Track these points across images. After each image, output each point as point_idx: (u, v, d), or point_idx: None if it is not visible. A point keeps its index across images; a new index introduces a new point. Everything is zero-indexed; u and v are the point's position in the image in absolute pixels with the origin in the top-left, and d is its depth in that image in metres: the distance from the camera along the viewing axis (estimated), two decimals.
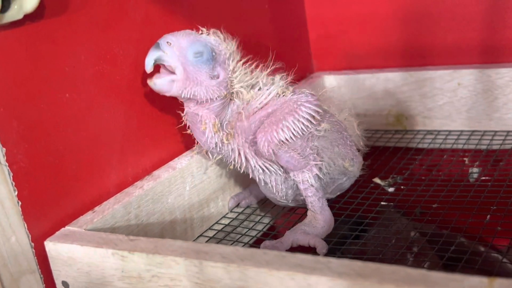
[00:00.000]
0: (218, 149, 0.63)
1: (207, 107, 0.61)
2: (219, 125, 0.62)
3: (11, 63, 0.51)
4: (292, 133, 0.60)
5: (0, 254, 0.50)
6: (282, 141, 0.60)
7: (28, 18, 0.52)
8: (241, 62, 0.63)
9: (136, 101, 0.64)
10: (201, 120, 0.62)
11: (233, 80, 0.62)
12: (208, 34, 0.62)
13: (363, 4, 0.94)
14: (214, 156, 0.65)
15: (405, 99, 0.89)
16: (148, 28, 0.65)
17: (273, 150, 0.60)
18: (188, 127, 0.64)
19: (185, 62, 0.59)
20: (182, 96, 0.60)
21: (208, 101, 0.61)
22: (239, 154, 0.62)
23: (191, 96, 0.60)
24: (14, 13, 0.50)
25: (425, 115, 0.88)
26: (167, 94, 0.61)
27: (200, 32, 0.62)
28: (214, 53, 0.60)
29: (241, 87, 0.62)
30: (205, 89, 0.60)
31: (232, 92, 0.62)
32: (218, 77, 0.61)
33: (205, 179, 0.69)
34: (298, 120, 0.60)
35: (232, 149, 0.63)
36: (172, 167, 0.66)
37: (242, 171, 0.65)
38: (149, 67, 0.59)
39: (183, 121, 0.64)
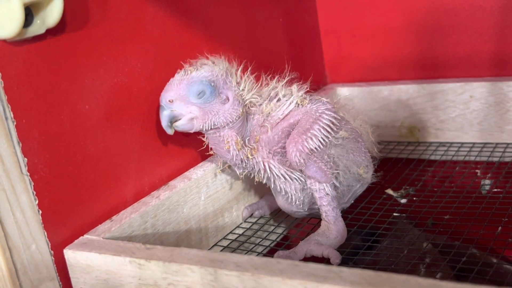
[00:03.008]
0: (244, 164, 0.64)
1: (227, 127, 0.63)
2: (241, 142, 0.63)
3: (33, 75, 0.53)
4: (320, 142, 0.61)
5: (20, 261, 0.52)
6: (312, 150, 0.61)
7: (50, 32, 0.53)
8: (240, 71, 0.64)
9: (153, 113, 0.65)
10: (223, 140, 0.63)
11: (242, 94, 0.63)
12: (196, 69, 0.62)
13: (376, 17, 0.95)
14: (240, 172, 0.66)
15: (418, 111, 0.90)
16: (165, 42, 0.67)
17: (304, 159, 0.61)
18: (211, 149, 0.66)
19: (195, 104, 0.61)
20: (204, 129, 0.62)
21: (228, 124, 0.62)
22: (264, 166, 0.64)
23: (213, 127, 0.62)
24: (36, 28, 0.51)
25: (437, 127, 0.89)
26: (191, 131, 0.63)
27: (189, 71, 0.62)
28: (212, 83, 0.61)
29: (253, 95, 0.64)
30: (223, 116, 0.62)
31: (246, 105, 0.64)
32: (228, 99, 0.62)
33: (219, 189, 0.70)
34: (323, 128, 0.62)
35: (257, 162, 0.64)
36: (187, 178, 0.67)
37: (264, 182, 0.66)
38: (169, 130, 0.62)
39: (205, 144, 0.65)
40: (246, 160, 0.64)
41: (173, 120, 0.62)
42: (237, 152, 0.63)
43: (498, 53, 0.87)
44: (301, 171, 0.63)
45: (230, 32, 0.78)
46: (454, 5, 0.88)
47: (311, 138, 0.61)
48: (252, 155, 0.63)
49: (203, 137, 0.65)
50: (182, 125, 0.62)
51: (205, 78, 0.61)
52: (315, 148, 0.61)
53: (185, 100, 0.61)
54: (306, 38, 0.97)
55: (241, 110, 0.63)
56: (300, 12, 0.95)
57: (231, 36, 0.77)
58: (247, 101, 0.63)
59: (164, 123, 0.62)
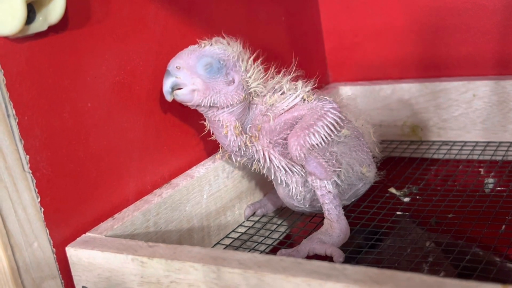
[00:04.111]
0: (242, 152, 0.64)
1: (227, 111, 0.63)
2: (240, 127, 0.63)
3: (35, 73, 0.53)
4: (322, 138, 0.61)
5: (22, 259, 0.51)
6: (314, 145, 0.61)
7: (52, 29, 0.53)
8: (251, 59, 0.64)
9: (155, 111, 0.65)
10: (222, 124, 0.63)
11: (248, 80, 0.63)
12: (211, 45, 0.62)
13: (378, 17, 0.95)
14: (238, 160, 0.66)
15: (420, 110, 0.89)
16: (167, 39, 0.67)
17: (304, 154, 0.61)
18: (213, 134, 0.65)
19: (200, 77, 0.61)
20: (202, 104, 0.62)
21: (228, 107, 0.62)
22: (264, 155, 0.63)
23: (212, 104, 0.62)
24: (38, 25, 0.51)
25: (440, 126, 0.89)
26: (189, 104, 0.62)
27: (203, 44, 0.62)
28: (222, 61, 0.61)
29: (258, 85, 0.64)
30: (224, 96, 0.62)
31: (250, 92, 0.63)
32: (233, 82, 0.62)
33: (222, 187, 0.70)
34: (327, 126, 0.62)
35: (256, 151, 0.64)
36: (190, 176, 0.67)
37: (264, 173, 0.66)
38: (168, 96, 0.61)
39: (207, 129, 0.65)
40: (244, 148, 0.64)
41: (175, 87, 0.61)
42: (235, 138, 0.63)
43: (501, 52, 0.87)
44: (302, 165, 0.63)
45: (232, 30, 0.78)
46: (456, 4, 0.88)
47: (314, 134, 0.61)
48: (251, 142, 0.63)
49: (205, 121, 0.65)
50: (182, 94, 0.61)
51: (216, 54, 0.61)
52: (317, 144, 0.61)
53: (192, 70, 0.61)
54: (308, 36, 0.96)
55: (243, 96, 0.62)
56: (303, 11, 0.95)
57: (233, 34, 0.77)
58: (252, 89, 0.63)
59: (166, 87, 0.61)
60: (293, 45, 0.92)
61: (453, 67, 0.91)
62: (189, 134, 0.70)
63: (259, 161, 0.64)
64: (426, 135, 0.90)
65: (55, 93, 0.54)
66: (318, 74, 0.97)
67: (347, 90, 0.96)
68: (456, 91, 0.86)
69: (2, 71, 0.50)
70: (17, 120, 0.51)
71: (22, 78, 0.51)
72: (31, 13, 0.50)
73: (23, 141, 0.51)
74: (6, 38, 0.50)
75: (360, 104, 0.94)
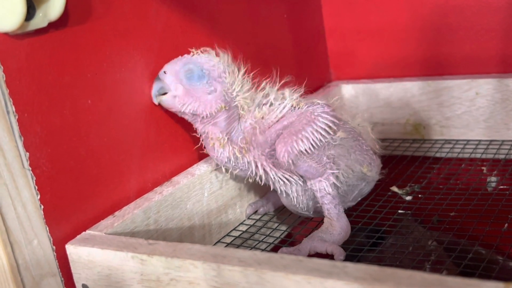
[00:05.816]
0: (233, 163, 0.64)
1: (212, 123, 0.63)
2: (225, 139, 0.63)
3: (35, 69, 0.52)
4: (311, 144, 0.61)
5: (22, 257, 0.51)
6: (302, 151, 0.61)
7: (52, 26, 0.53)
8: (241, 73, 0.64)
9: (156, 108, 0.65)
10: (207, 136, 0.64)
11: (232, 92, 0.63)
12: (198, 54, 0.63)
13: (381, 14, 0.94)
14: (230, 171, 0.66)
15: (423, 108, 0.89)
16: (169, 36, 0.67)
17: (292, 160, 0.61)
18: (204, 148, 0.66)
19: (181, 82, 0.62)
20: (183, 111, 0.63)
21: (209, 116, 0.62)
22: (257, 166, 0.63)
23: (192, 111, 0.62)
24: (38, 21, 0.51)
25: (443, 125, 0.88)
26: (173, 110, 0.64)
27: (192, 54, 0.63)
28: (204, 70, 0.62)
29: (245, 99, 0.63)
30: (203, 104, 0.62)
31: (236, 105, 0.63)
32: (215, 91, 0.62)
33: (223, 185, 0.70)
34: (317, 131, 0.61)
35: (248, 162, 0.63)
36: (191, 174, 0.67)
37: (262, 183, 0.66)
38: (155, 99, 0.63)
39: (200, 142, 0.66)
40: (234, 159, 0.64)
41: (160, 91, 0.63)
42: (222, 150, 0.63)
43: (504, 50, 0.86)
44: (297, 173, 0.63)
45: (234, 27, 0.78)
46: (460, 1, 0.88)
47: (302, 140, 0.60)
48: (241, 153, 0.63)
49: (197, 133, 0.65)
50: (165, 100, 0.63)
51: (199, 63, 0.62)
52: (305, 150, 0.60)
53: (176, 76, 0.62)
54: (310, 34, 0.96)
55: (221, 105, 0.62)
56: (305, 9, 0.94)
57: (235, 32, 0.77)
58: (237, 102, 0.63)
59: (153, 91, 0.63)
60: (295, 43, 0.91)
61: (456, 65, 0.90)
62: (190, 132, 0.69)
63: (254, 172, 0.64)
64: (428, 133, 0.90)
65: (55, 89, 0.54)
66: (320, 72, 0.97)
67: (349, 89, 0.95)
68: (459, 89, 0.86)
69: (2, 67, 0.49)
70: (16, 117, 0.50)
71: (22, 74, 0.51)
72: (31, 9, 0.50)
73: (23, 138, 0.51)
74: (5, 34, 0.50)
75: (362, 102, 0.94)
